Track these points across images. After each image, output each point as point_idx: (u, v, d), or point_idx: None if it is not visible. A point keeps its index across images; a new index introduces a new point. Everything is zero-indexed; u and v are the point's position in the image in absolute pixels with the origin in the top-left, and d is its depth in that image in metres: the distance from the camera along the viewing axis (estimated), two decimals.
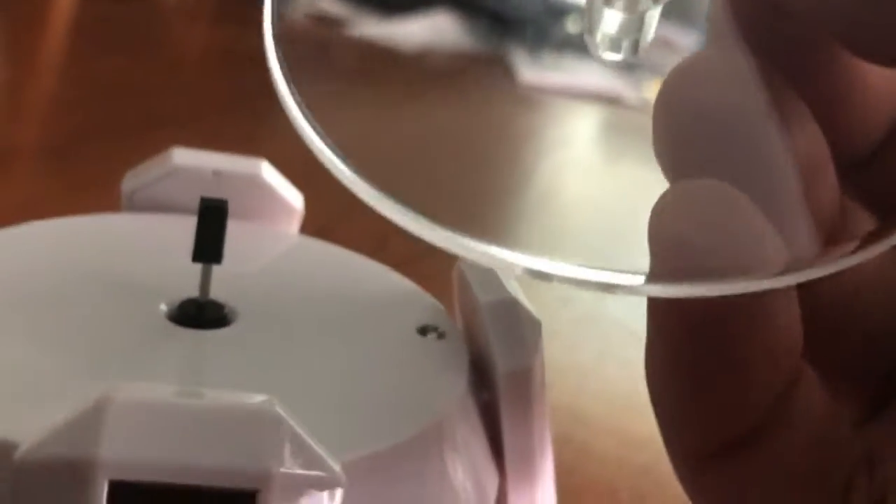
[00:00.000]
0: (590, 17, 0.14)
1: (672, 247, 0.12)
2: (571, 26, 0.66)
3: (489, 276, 0.18)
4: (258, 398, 0.12)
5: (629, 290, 0.12)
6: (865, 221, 0.14)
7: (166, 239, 0.20)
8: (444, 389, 0.16)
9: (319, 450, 0.12)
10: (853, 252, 0.12)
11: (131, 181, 0.21)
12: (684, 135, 0.13)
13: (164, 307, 0.17)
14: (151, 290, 0.17)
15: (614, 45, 0.14)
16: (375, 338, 0.18)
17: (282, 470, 0.12)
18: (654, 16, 0.14)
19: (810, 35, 0.14)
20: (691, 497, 0.14)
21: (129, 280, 0.18)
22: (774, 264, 0.12)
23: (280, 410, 0.12)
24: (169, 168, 0.21)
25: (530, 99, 0.65)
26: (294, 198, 0.22)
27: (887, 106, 0.14)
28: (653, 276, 0.12)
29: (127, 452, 0.11)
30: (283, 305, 0.18)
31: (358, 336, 0.18)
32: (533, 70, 0.66)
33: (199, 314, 0.17)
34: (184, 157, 0.21)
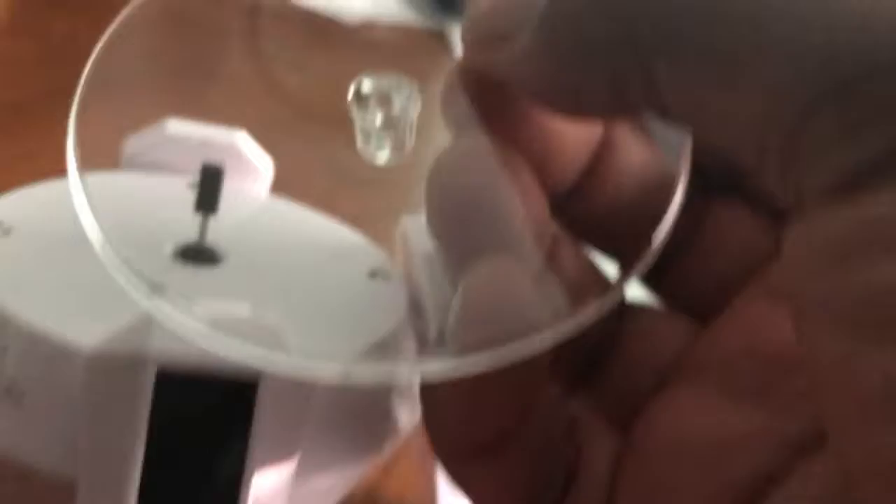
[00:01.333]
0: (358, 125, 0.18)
1: (481, 318, 0.15)
2: None
3: (425, 233, 0.23)
4: (260, 314, 0.17)
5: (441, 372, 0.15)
6: (570, 249, 0.19)
7: (164, 194, 0.24)
8: (389, 318, 0.21)
9: (305, 359, 0.17)
10: (597, 304, 0.15)
11: (131, 146, 0.25)
12: (451, 215, 0.17)
13: (169, 248, 0.22)
14: (160, 235, 0.22)
15: (380, 143, 0.18)
16: (335, 279, 0.22)
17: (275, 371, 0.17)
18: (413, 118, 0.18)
19: (520, 108, 0.18)
20: (456, 486, 0.18)
21: (141, 227, 0.22)
22: (552, 320, 0.15)
23: (277, 325, 0.17)
24: (163, 137, 0.25)
25: None
26: (265, 164, 0.26)
27: (577, 155, 0.19)
28: (462, 349, 0.15)
29: (169, 349, 0.16)
30: (261, 251, 0.23)
31: (322, 277, 0.22)
32: None
33: (198, 254, 0.21)
34: (176, 127, 0.25)
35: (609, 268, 0.20)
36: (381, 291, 0.22)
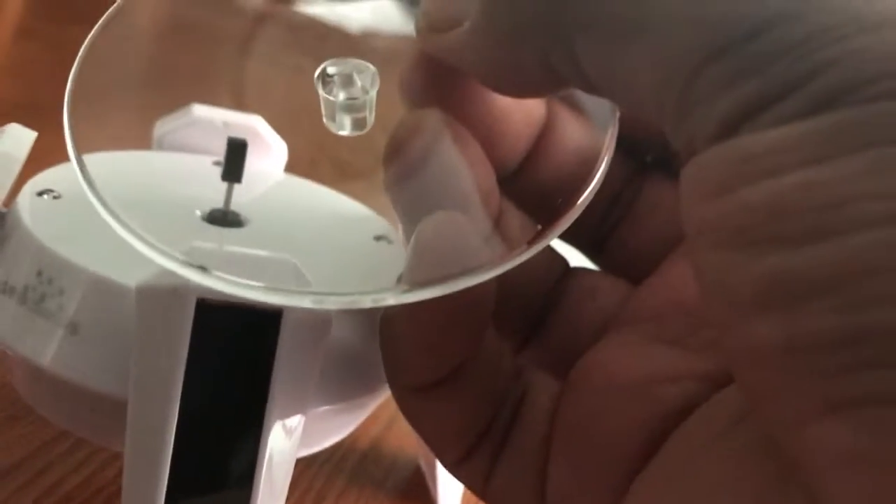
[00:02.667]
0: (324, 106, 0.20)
1: (431, 256, 0.18)
2: None
3: None
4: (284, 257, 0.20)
5: (396, 298, 0.17)
6: (516, 217, 0.21)
7: (192, 169, 0.27)
8: (391, 274, 0.24)
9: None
10: (528, 247, 0.18)
11: (160, 128, 0.28)
12: (406, 179, 0.19)
13: (198, 213, 0.24)
14: (189, 201, 0.25)
15: (341, 123, 0.21)
16: (347, 241, 0.25)
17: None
18: (373, 97, 0.20)
19: (470, 90, 0.20)
20: (409, 419, 0.20)
21: (173, 195, 0.25)
22: (491, 260, 0.17)
23: (298, 265, 0.20)
24: (190, 119, 0.28)
25: None
26: (280, 146, 0.29)
27: (522, 135, 0.21)
28: (416, 283, 0.17)
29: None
30: (279, 218, 0.26)
31: (334, 239, 0.25)
32: None
33: (224, 218, 0.24)
34: (201, 111, 0.28)
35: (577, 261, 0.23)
36: (385, 251, 0.25)
